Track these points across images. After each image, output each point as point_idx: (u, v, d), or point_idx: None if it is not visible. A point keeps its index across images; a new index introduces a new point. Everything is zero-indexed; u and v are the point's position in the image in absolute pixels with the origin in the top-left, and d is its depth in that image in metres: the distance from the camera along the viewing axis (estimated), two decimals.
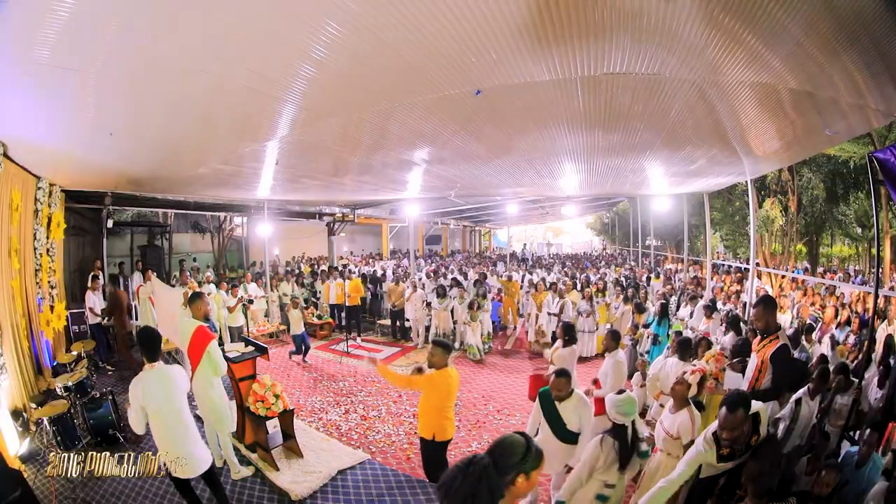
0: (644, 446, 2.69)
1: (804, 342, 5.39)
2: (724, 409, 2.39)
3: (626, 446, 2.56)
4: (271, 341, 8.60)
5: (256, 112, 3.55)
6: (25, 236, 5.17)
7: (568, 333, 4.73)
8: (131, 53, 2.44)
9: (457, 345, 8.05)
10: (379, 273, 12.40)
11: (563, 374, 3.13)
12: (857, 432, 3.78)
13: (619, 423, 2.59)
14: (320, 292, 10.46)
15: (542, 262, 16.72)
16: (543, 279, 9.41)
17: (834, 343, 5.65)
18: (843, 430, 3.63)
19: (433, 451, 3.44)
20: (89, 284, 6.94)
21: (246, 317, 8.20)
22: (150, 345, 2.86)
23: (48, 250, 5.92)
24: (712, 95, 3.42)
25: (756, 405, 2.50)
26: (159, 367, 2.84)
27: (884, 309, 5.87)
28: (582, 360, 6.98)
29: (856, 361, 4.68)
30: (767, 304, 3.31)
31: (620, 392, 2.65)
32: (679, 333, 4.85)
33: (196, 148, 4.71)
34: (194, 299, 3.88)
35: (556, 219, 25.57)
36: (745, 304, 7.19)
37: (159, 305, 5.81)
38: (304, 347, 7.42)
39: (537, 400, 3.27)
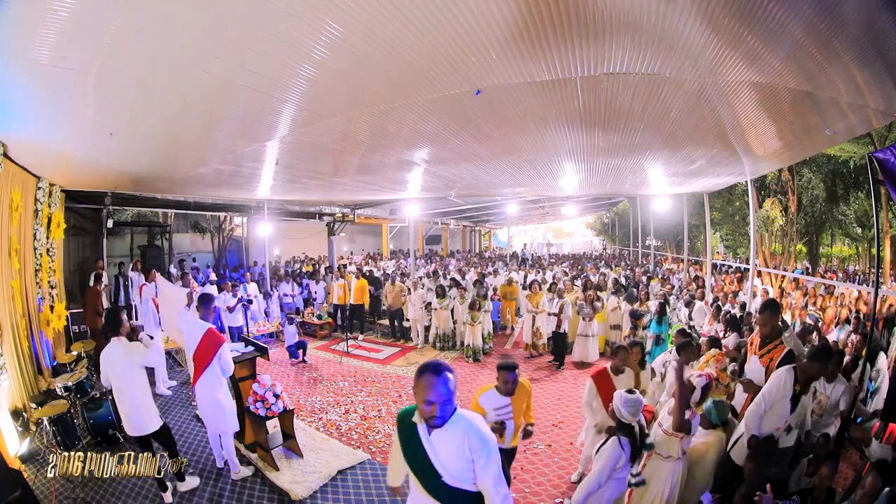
0: (649, 438, 2.71)
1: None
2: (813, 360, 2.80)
3: (636, 442, 2.62)
4: (271, 341, 8.61)
5: (256, 112, 3.55)
6: (25, 236, 5.17)
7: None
8: (131, 53, 2.44)
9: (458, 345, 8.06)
10: (377, 273, 12.39)
11: (427, 369, 1.75)
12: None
13: (626, 422, 2.61)
14: (316, 293, 10.46)
15: (540, 263, 16.71)
16: (543, 279, 9.41)
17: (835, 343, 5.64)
18: (842, 428, 3.63)
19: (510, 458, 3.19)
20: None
21: (245, 317, 8.20)
22: (110, 323, 3.51)
23: (48, 250, 5.91)
24: (712, 95, 3.41)
25: None
26: (117, 341, 3.42)
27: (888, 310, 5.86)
28: (583, 365, 6.97)
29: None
30: (774, 309, 3.35)
31: (631, 392, 2.66)
32: (682, 332, 4.81)
33: (196, 148, 4.71)
34: (205, 301, 3.88)
35: (556, 219, 25.58)
36: (742, 305, 7.18)
37: (163, 306, 5.81)
38: (301, 350, 7.47)
39: (395, 427, 1.97)
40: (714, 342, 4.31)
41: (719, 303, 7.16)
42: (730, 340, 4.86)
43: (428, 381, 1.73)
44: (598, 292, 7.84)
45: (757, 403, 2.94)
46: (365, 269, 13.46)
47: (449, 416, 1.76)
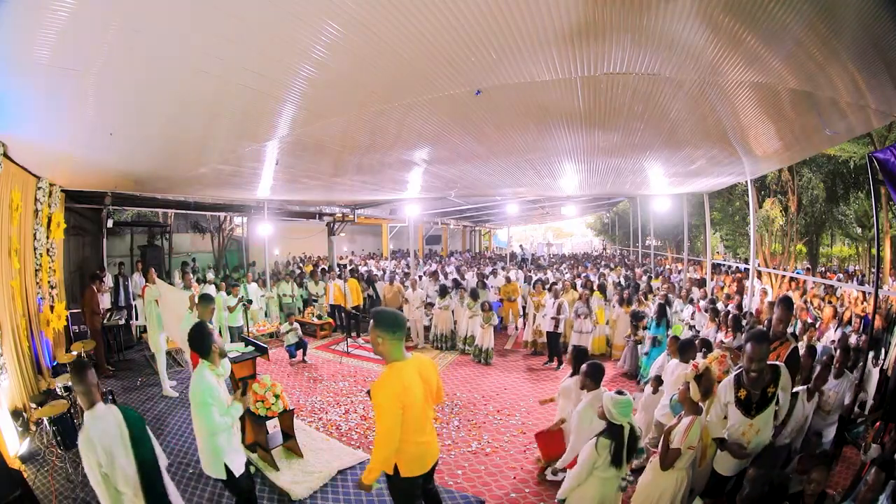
0: (641, 443, 2.69)
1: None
2: (750, 343, 2.71)
3: (622, 447, 2.57)
4: (271, 341, 8.61)
5: (256, 112, 3.55)
6: (25, 236, 5.17)
7: (579, 360, 3.65)
8: (131, 54, 2.43)
9: (459, 345, 8.04)
10: (362, 269, 12.40)
11: None
12: (857, 427, 3.78)
13: (616, 423, 2.59)
14: (315, 295, 10.45)
15: (540, 263, 16.70)
16: (542, 279, 9.40)
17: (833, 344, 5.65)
18: (840, 427, 3.63)
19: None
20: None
21: (246, 317, 8.20)
22: (199, 343, 2.84)
23: (48, 250, 5.91)
24: (712, 95, 3.41)
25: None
26: (202, 364, 2.81)
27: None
28: None
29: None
30: (790, 306, 3.39)
31: (621, 393, 2.64)
32: (676, 338, 4.79)
33: (196, 148, 4.70)
34: (204, 301, 3.91)
35: (556, 219, 25.55)
36: (739, 305, 7.16)
37: (164, 306, 5.80)
38: (301, 349, 7.47)
39: None
40: (705, 344, 4.33)
41: (712, 304, 7.15)
42: (730, 341, 4.85)
43: None
44: (597, 293, 7.86)
45: (714, 404, 2.97)
46: (362, 269, 13.48)
47: None
